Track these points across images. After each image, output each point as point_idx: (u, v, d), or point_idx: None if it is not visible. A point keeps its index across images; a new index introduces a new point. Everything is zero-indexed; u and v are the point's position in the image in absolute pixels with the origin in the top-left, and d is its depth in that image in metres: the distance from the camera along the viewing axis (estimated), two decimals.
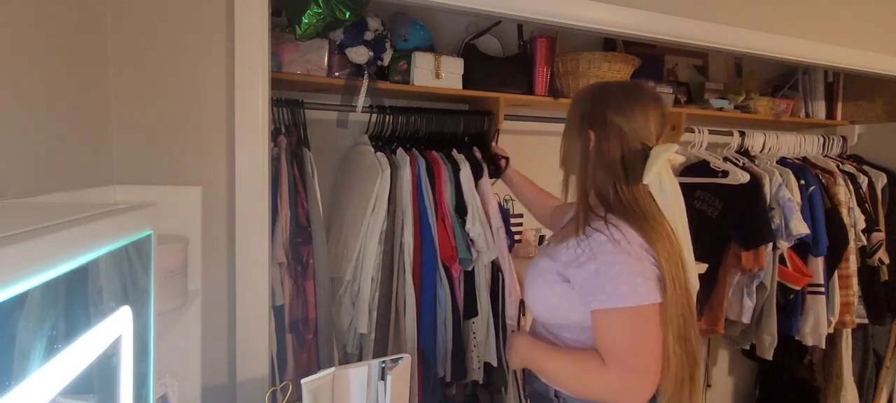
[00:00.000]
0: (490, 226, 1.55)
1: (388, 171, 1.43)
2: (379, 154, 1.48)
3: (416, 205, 1.48)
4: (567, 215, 1.14)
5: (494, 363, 1.60)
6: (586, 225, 0.91)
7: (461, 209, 1.54)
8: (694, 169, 2.15)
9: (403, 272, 1.46)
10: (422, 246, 1.48)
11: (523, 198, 1.59)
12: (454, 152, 1.63)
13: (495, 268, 1.59)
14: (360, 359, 1.49)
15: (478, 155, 1.67)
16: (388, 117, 1.63)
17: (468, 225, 1.52)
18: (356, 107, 1.51)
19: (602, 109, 0.94)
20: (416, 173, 1.49)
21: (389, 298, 1.46)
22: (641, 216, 0.90)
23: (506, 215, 1.66)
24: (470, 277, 1.56)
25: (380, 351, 1.44)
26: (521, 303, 1.16)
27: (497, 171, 1.63)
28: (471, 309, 1.56)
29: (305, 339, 1.38)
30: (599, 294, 0.86)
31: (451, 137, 1.73)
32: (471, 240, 1.54)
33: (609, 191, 0.93)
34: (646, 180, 0.92)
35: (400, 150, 1.55)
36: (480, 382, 1.61)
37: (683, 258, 0.92)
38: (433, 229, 1.49)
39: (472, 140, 1.76)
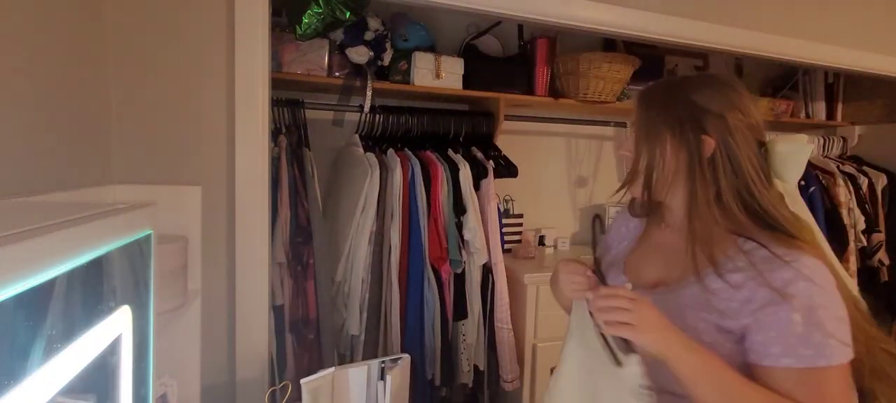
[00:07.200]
0: (486, 228, 1.54)
1: (376, 172, 1.43)
2: (368, 154, 1.47)
3: (406, 207, 1.48)
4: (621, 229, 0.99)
5: (482, 366, 1.59)
6: (719, 254, 0.75)
7: (459, 209, 1.53)
8: None
9: (390, 273, 1.46)
10: (409, 248, 1.48)
11: None
12: (450, 152, 1.63)
13: (486, 271, 1.58)
14: (351, 361, 1.49)
15: (479, 155, 1.66)
16: (378, 117, 1.63)
17: (465, 226, 1.51)
18: (364, 106, 1.51)
19: (713, 107, 0.78)
20: (409, 174, 1.49)
21: (379, 300, 1.46)
22: (794, 227, 0.74)
23: (501, 217, 1.66)
24: (460, 279, 1.55)
25: (370, 353, 1.44)
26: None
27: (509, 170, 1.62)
28: (460, 311, 1.55)
29: (306, 339, 1.38)
30: (801, 348, 0.67)
31: (445, 137, 1.73)
32: (465, 242, 1.53)
33: (740, 203, 0.76)
34: (791, 180, 0.81)
35: (390, 151, 1.54)
36: (470, 385, 1.60)
37: (837, 269, 0.75)
38: (423, 230, 1.48)
39: (470, 140, 1.76)
